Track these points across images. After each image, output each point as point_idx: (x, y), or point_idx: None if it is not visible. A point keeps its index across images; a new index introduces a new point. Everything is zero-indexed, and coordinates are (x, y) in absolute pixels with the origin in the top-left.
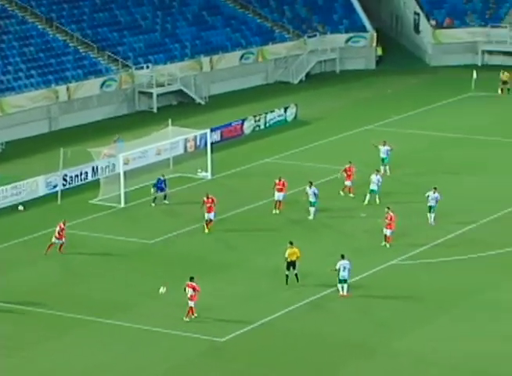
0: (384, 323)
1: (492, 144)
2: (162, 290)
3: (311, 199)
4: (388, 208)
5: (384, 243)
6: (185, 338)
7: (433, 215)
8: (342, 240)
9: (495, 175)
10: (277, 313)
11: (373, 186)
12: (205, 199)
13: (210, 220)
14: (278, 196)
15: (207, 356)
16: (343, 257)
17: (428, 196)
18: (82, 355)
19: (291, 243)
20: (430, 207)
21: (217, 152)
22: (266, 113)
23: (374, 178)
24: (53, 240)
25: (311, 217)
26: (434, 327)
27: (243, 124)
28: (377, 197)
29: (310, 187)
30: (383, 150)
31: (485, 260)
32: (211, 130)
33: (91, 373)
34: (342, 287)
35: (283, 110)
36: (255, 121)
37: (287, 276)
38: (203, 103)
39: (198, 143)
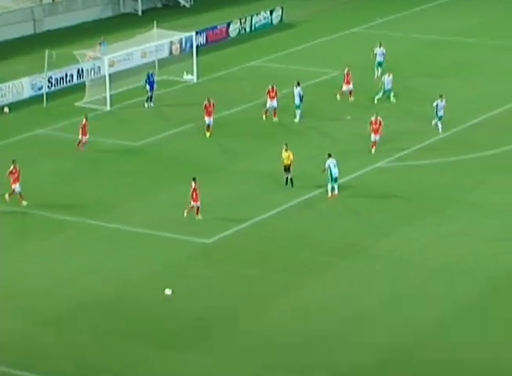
0: (372, 223)
1: (480, 46)
2: (168, 292)
3: (296, 101)
4: (377, 113)
5: (372, 150)
6: (174, 239)
7: (440, 124)
8: (328, 144)
9: (487, 77)
10: (266, 214)
11: (388, 86)
12: (206, 103)
13: (208, 125)
14: (271, 104)
15: (196, 258)
16: (330, 156)
17: (437, 105)
18: (69, 256)
19: (286, 145)
20: (440, 117)
21: (202, 55)
22: (252, 16)
23: (387, 78)
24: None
25: (296, 120)
26: (419, 228)
27: (228, 27)
28: (392, 95)
29: (296, 87)
30: (378, 52)
31: (475, 161)
32: (196, 33)
33: (76, 274)
34: (332, 188)
35: (268, 13)
36: (241, 24)
37: (286, 178)
38: (187, 5)
39: (183, 46)
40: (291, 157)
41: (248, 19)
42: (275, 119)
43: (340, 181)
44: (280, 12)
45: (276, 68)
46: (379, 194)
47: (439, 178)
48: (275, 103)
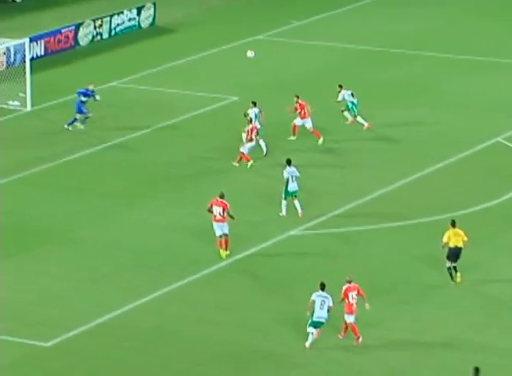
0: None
1: (432, 62)
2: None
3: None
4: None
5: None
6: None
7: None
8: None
9: (442, 108)
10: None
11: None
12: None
13: None
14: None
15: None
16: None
17: (289, 176)
18: None
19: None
20: (289, 193)
21: (38, 72)
22: (111, 16)
23: (345, 93)
24: None
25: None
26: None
27: (76, 31)
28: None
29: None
30: (345, 95)
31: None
32: (31, 40)
33: None
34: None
35: (135, 12)
36: (95, 28)
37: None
38: None
39: (11, 59)
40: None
41: (106, 20)
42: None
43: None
44: (152, 11)
45: (147, 91)
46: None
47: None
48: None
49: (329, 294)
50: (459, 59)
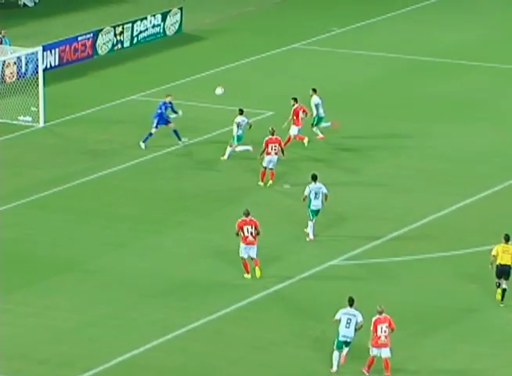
0: None
1: (490, 73)
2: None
3: (237, 132)
4: None
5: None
6: None
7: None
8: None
9: (500, 124)
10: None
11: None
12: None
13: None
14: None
15: None
16: (314, 179)
17: (311, 191)
18: None
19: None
20: (313, 212)
21: (52, 84)
22: (133, 23)
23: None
24: None
25: (225, 156)
26: None
27: (95, 39)
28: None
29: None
30: (315, 100)
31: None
32: (44, 48)
33: None
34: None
35: (159, 18)
36: (115, 35)
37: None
38: (30, 4)
39: (23, 70)
40: None
41: (127, 27)
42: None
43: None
44: (179, 17)
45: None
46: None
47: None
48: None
49: (358, 310)
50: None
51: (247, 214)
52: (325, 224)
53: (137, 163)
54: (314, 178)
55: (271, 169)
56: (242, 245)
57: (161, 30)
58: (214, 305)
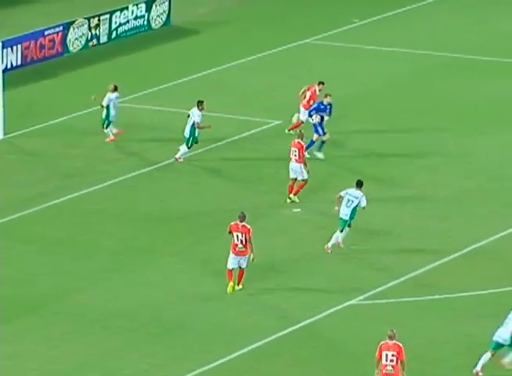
0: None
1: None
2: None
3: (187, 133)
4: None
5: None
6: None
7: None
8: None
9: None
10: None
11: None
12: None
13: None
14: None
15: None
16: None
17: (344, 197)
18: None
19: None
20: (344, 221)
21: (14, 87)
22: (112, 14)
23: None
24: None
25: (178, 155)
26: None
27: (65, 33)
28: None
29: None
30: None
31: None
32: (4, 45)
33: None
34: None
35: (143, 8)
36: (90, 29)
37: None
38: None
39: None
40: None
41: (104, 18)
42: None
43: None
44: (166, 7)
45: (159, 112)
46: None
47: None
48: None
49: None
50: None
51: (242, 218)
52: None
53: (117, 182)
54: (358, 183)
55: (295, 180)
56: (231, 254)
57: (145, 23)
58: (212, 353)
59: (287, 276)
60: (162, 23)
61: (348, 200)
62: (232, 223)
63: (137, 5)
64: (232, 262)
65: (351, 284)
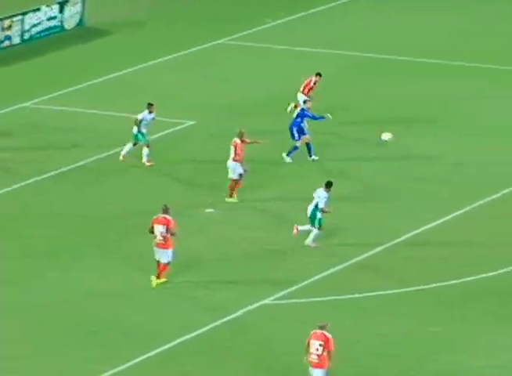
0: None
1: (460, 73)
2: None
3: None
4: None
5: None
6: None
7: (314, 233)
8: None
9: (469, 136)
10: None
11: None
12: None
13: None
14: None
15: None
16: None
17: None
18: None
19: None
20: (312, 218)
21: None
22: (24, 14)
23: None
24: None
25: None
26: None
27: None
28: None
29: (149, 111)
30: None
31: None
32: None
33: None
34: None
35: (57, 9)
36: (2, 30)
37: None
38: None
39: None
40: None
41: (17, 19)
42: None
43: None
44: (80, 8)
45: (72, 114)
46: None
47: None
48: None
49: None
50: (502, 71)
51: (164, 210)
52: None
53: (31, 183)
54: (325, 184)
55: (232, 180)
56: (154, 249)
57: (59, 24)
58: (120, 355)
59: (206, 274)
60: (75, 24)
61: (314, 198)
62: (154, 217)
63: (49, 5)
64: (155, 254)
65: (265, 284)
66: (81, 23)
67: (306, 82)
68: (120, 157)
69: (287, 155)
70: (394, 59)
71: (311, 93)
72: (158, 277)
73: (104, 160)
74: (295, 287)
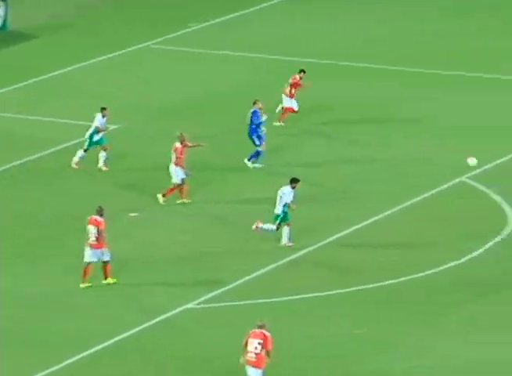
0: None
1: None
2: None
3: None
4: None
5: None
6: None
7: (287, 231)
8: None
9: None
10: None
11: None
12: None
13: None
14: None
15: None
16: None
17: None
18: None
19: None
20: (279, 216)
21: None
22: None
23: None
24: None
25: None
26: None
27: None
28: None
29: (102, 115)
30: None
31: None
32: None
33: None
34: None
35: None
36: None
37: None
38: None
39: None
40: None
41: None
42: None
43: None
44: (3, 11)
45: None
46: None
47: None
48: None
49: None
50: (411, 73)
51: (98, 212)
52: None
53: None
54: (290, 180)
55: (175, 184)
56: (86, 250)
57: None
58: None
59: (134, 277)
60: None
61: (279, 196)
62: (88, 217)
63: None
64: (87, 255)
65: (194, 287)
66: (4, 26)
67: (292, 81)
68: (73, 165)
69: (249, 160)
70: (317, 62)
71: (293, 91)
72: (105, 279)
73: (30, 164)
74: (226, 289)
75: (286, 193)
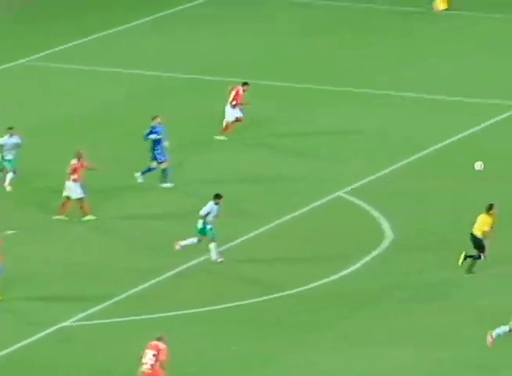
0: None
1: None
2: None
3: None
4: None
5: None
6: None
7: (214, 247)
8: None
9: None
10: None
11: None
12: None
13: None
14: None
15: None
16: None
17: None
18: None
19: None
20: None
21: None
22: None
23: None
24: None
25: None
26: None
27: None
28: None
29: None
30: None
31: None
32: None
33: None
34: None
35: None
36: None
37: None
38: None
39: None
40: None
41: None
42: None
43: None
44: None
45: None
46: None
47: None
48: None
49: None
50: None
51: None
52: None
53: None
54: (214, 196)
55: (68, 198)
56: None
57: None
58: None
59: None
60: None
61: (202, 211)
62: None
63: None
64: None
65: (65, 303)
66: None
67: (234, 95)
68: (8, 188)
69: (142, 174)
70: (200, 78)
71: (238, 103)
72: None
73: None
74: (102, 306)
75: (207, 209)
